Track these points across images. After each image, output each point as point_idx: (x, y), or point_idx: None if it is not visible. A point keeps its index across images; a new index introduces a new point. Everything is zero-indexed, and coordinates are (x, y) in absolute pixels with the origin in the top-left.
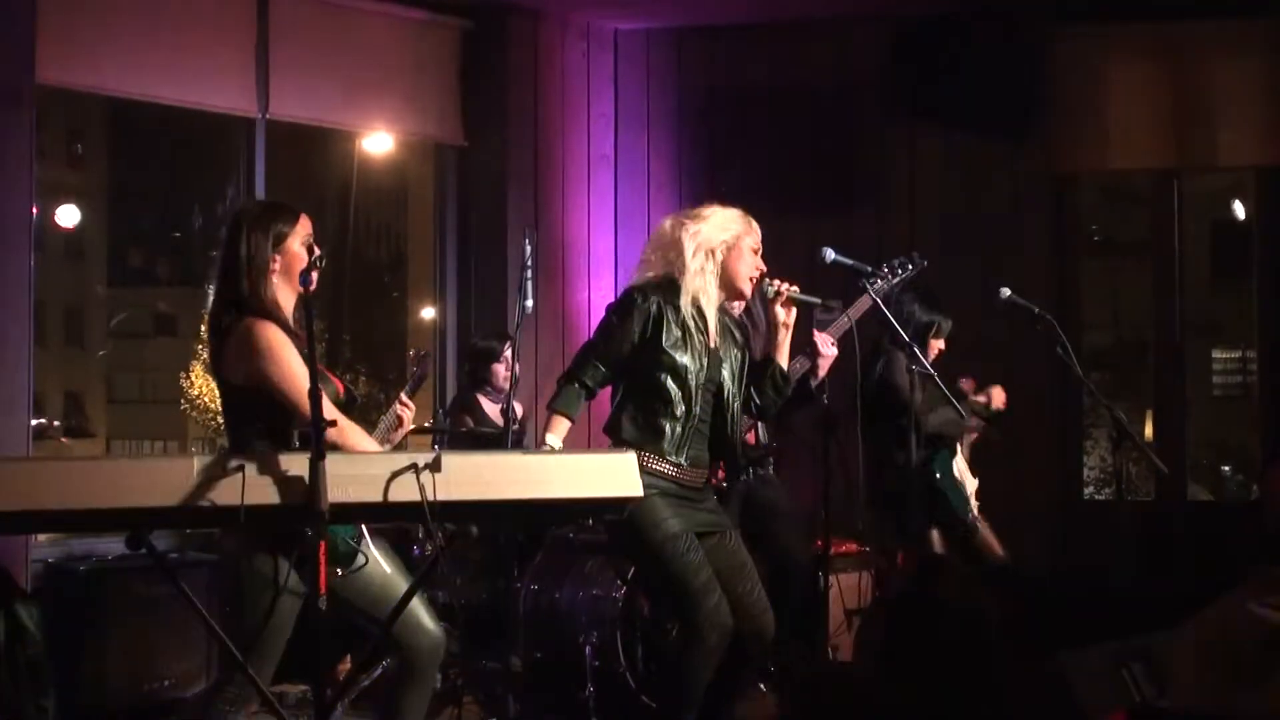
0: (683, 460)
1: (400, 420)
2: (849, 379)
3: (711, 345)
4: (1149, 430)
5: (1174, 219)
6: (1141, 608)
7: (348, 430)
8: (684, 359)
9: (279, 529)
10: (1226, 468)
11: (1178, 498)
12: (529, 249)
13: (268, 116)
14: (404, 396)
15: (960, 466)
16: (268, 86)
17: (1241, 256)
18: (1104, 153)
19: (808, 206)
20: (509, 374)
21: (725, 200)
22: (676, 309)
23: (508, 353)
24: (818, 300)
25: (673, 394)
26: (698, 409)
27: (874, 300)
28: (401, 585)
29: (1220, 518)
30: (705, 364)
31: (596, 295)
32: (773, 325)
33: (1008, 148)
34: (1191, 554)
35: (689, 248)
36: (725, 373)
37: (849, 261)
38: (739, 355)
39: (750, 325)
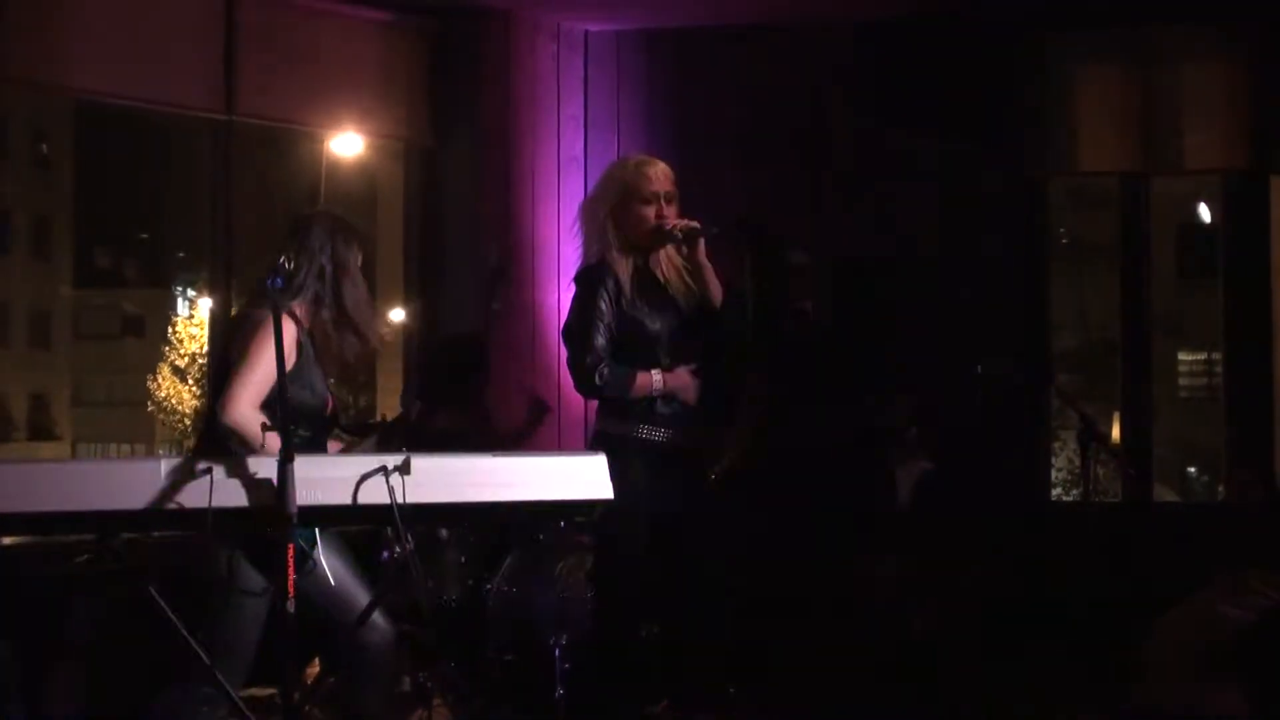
0: (669, 418)
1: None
2: None
3: (665, 301)
4: (1116, 431)
5: (1141, 222)
6: (1109, 609)
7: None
8: (650, 322)
9: (247, 532)
10: (1192, 469)
11: (1145, 499)
12: (498, 252)
13: (235, 117)
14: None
15: None
16: (235, 87)
17: (1208, 259)
18: (1072, 155)
19: (778, 208)
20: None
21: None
22: (618, 279)
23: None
24: (715, 229)
25: (649, 357)
26: (668, 364)
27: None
28: (355, 584)
29: (1187, 519)
30: (667, 320)
31: (566, 297)
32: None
33: (976, 151)
34: (1158, 555)
35: (590, 230)
36: (683, 322)
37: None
38: (693, 302)
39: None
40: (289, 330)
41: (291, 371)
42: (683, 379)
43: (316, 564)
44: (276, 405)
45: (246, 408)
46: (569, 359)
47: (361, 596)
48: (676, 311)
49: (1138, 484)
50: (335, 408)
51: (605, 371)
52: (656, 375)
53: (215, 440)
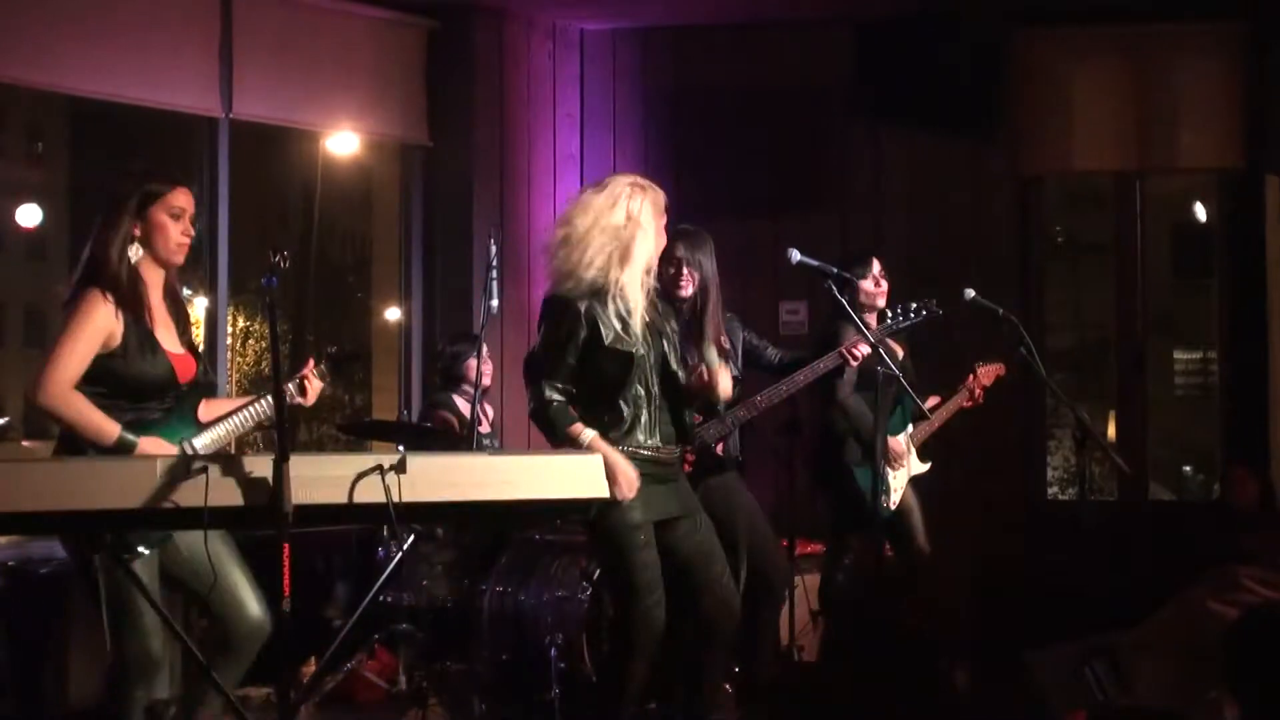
0: (656, 440)
1: (305, 390)
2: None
3: (649, 325)
4: (1112, 430)
5: (1136, 221)
6: (1104, 606)
7: (74, 403)
8: (632, 347)
9: (244, 530)
10: (1187, 467)
11: (1140, 497)
12: (494, 250)
13: (231, 116)
14: (321, 369)
15: (896, 453)
16: (231, 86)
17: (1202, 258)
18: (1067, 155)
19: (772, 207)
20: (480, 369)
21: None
22: (605, 302)
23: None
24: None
25: (632, 380)
26: (655, 389)
27: (840, 302)
28: (224, 557)
29: (1181, 517)
30: (650, 346)
31: None
32: None
33: (972, 149)
34: (1153, 553)
35: (601, 248)
36: (666, 347)
37: (814, 263)
38: (672, 329)
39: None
40: (101, 308)
41: (117, 348)
42: (615, 460)
43: (169, 535)
44: (102, 383)
45: (59, 388)
46: (534, 375)
47: (236, 578)
48: (659, 333)
49: (1133, 482)
50: (197, 373)
51: (556, 404)
52: (588, 434)
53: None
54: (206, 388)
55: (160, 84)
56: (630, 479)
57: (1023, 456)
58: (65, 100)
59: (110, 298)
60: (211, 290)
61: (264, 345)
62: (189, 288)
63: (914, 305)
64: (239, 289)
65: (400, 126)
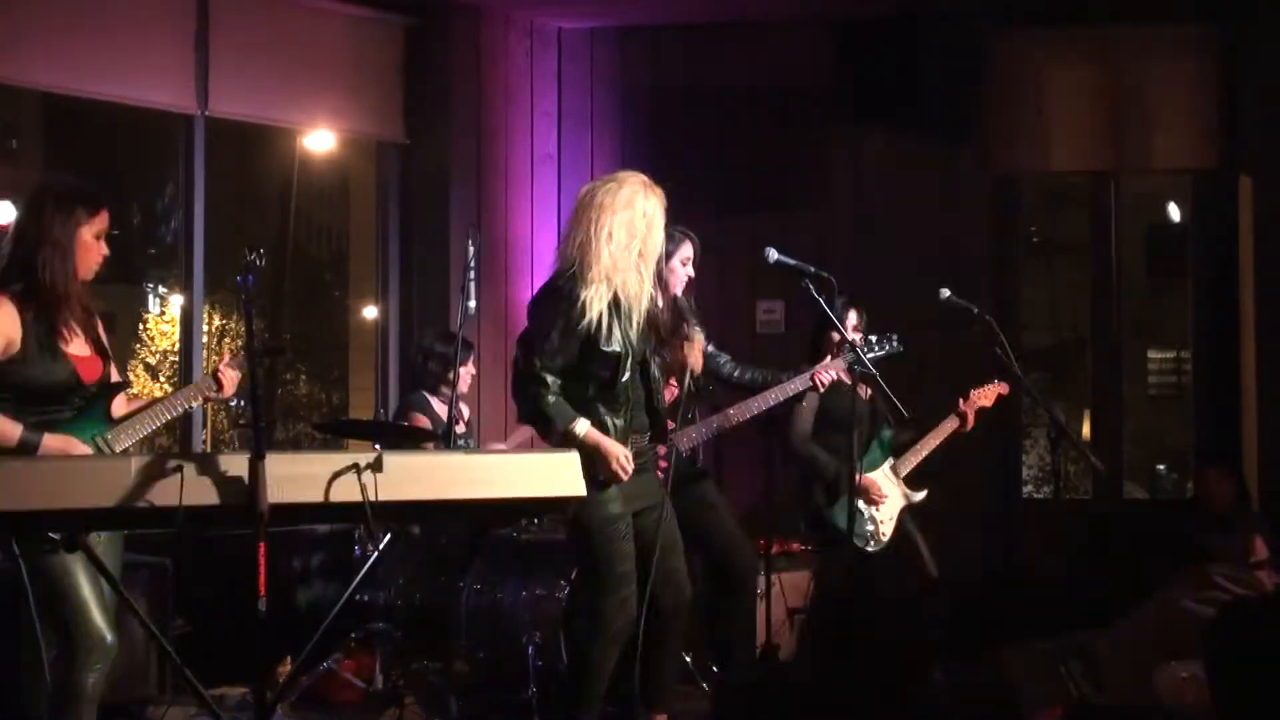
0: (626, 425)
1: (220, 385)
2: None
3: (636, 321)
4: (1086, 429)
5: (1111, 220)
6: (1079, 605)
7: None
8: (622, 343)
9: (219, 530)
10: (1161, 466)
11: (1114, 496)
12: (472, 248)
13: (207, 113)
14: (239, 360)
15: (876, 487)
16: (207, 82)
17: (1177, 258)
18: (1043, 154)
19: (750, 206)
20: (466, 378)
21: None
22: (613, 296)
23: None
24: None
25: (613, 369)
26: (637, 383)
27: (818, 301)
28: (80, 575)
29: (1155, 515)
30: (640, 343)
31: None
32: None
33: (948, 149)
34: (1128, 551)
35: (604, 248)
36: (641, 342)
37: (791, 262)
38: (648, 327)
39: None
40: (6, 312)
41: (16, 354)
42: (609, 445)
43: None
44: (5, 388)
45: None
46: (526, 359)
47: (90, 601)
48: (644, 332)
49: (1108, 481)
50: (104, 373)
51: (552, 399)
52: (583, 424)
53: None
54: (116, 386)
55: (136, 81)
56: (623, 461)
57: (998, 455)
58: (40, 96)
59: (14, 304)
60: (187, 288)
61: (240, 343)
62: (164, 286)
63: (875, 338)
64: (215, 287)
65: (377, 124)
